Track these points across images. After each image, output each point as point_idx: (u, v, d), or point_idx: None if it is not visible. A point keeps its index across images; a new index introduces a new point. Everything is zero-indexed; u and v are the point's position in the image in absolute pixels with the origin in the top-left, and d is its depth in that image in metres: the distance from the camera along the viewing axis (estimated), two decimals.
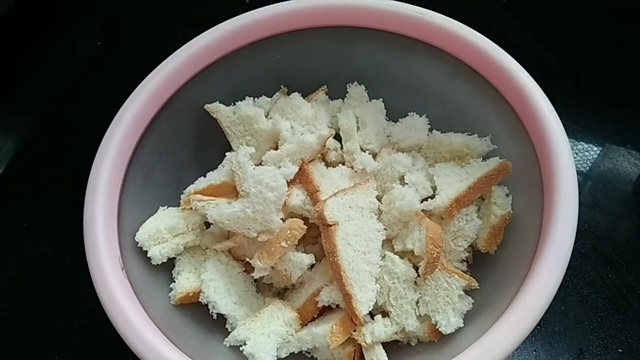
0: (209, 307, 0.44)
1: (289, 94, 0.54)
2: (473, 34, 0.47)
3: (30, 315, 0.56)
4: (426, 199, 0.46)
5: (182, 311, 0.44)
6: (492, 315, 0.38)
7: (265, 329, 0.41)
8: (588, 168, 0.61)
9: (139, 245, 0.44)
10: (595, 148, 0.63)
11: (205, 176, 0.48)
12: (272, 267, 0.44)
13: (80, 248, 0.41)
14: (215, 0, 0.77)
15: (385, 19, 0.50)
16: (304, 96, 0.53)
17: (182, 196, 0.47)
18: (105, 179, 0.43)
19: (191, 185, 0.47)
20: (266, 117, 0.51)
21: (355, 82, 0.53)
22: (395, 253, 0.45)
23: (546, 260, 0.37)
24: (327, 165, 0.50)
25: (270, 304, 0.44)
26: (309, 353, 0.44)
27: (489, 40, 0.47)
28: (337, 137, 0.52)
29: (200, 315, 0.44)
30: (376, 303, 0.42)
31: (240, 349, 0.41)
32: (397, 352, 0.42)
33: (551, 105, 0.43)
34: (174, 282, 0.45)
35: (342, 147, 0.51)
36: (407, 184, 0.47)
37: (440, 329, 0.41)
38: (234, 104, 0.51)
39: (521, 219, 0.44)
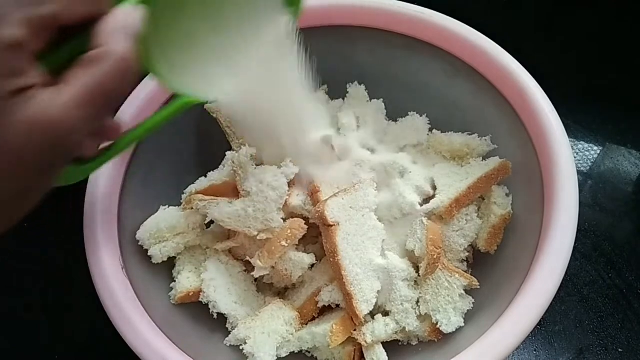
0: (210, 306, 0.44)
1: None
2: (473, 34, 0.47)
3: (29, 315, 0.56)
4: (426, 199, 0.46)
5: (183, 310, 0.44)
6: (493, 314, 0.38)
7: (266, 328, 0.41)
8: (588, 168, 0.61)
9: (139, 243, 0.44)
10: (595, 148, 0.63)
11: (205, 176, 0.48)
12: (273, 267, 0.44)
13: (81, 248, 0.41)
14: None
15: (385, 18, 0.50)
16: None
17: (182, 196, 0.47)
18: (105, 178, 0.43)
19: (192, 185, 0.47)
20: None
21: (356, 82, 0.53)
22: (395, 253, 0.45)
23: (546, 260, 0.37)
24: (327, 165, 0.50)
25: (271, 304, 0.44)
26: (309, 352, 0.44)
27: (489, 40, 0.47)
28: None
29: (200, 315, 0.44)
30: (376, 303, 0.42)
31: (241, 347, 0.41)
32: (397, 352, 0.42)
33: (552, 105, 0.43)
34: (175, 281, 0.45)
35: (342, 147, 0.51)
36: (407, 184, 0.47)
37: (441, 328, 0.41)
38: None
39: (521, 219, 0.44)
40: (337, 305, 0.43)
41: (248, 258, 0.44)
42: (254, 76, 0.36)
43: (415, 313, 0.43)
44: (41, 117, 0.23)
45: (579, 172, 0.61)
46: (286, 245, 0.42)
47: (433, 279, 0.43)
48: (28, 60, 0.23)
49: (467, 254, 0.46)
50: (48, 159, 0.24)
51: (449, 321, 0.41)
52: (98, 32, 0.25)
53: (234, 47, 0.34)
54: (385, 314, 0.43)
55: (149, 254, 0.44)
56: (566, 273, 0.37)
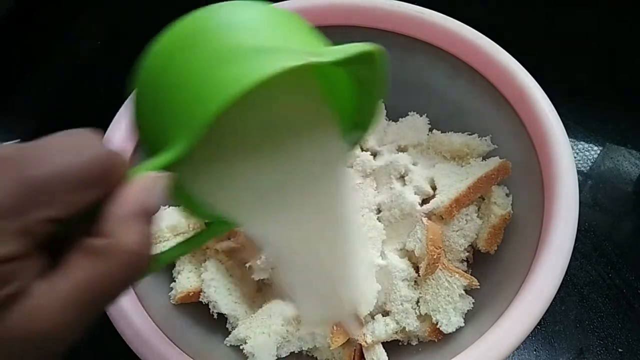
0: (210, 306, 0.44)
1: None
2: (473, 34, 0.47)
3: None
4: (426, 199, 0.46)
5: (183, 310, 0.44)
6: (493, 314, 0.38)
7: (266, 328, 0.41)
8: (588, 168, 0.61)
9: None
10: (595, 148, 0.63)
11: None
12: (273, 268, 0.43)
13: None
14: (216, 1, 0.77)
15: (385, 18, 0.50)
16: None
17: None
18: None
19: None
20: None
21: None
22: (395, 253, 0.45)
23: (546, 260, 0.37)
24: None
25: (271, 303, 0.44)
26: (309, 352, 0.44)
27: (489, 40, 0.47)
28: None
29: (200, 315, 0.44)
30: (377, 303, 0.42)
31: (241, 347, 0.41)
32: (397, 352, 0.42)
33: (551, 105, 0.43)
34: (175, 281, 0.45)
35: None
36: (407, 184, 0.47)
37: (441, 328, 0.41)
38: None
39: (521, 219, 0.44)
40: None
41: (248, 259, 0.44)
42: (296, 218, 0.31)
43: (415, 313, 0.43)
44: (27, 327, 0.19)
45: (579, 172, 0.61)
46: None
47: (433, 279, 0.43)
48: (22, 265, 0.19)
49: (467, 254, 0.46)
50: None
51: (449, 321, 0.41)
52: (106, 216, 0.21)
53: (280, 192, 0.30)
54: (385, 314, 0.43)
55: None
56: (566, 273, 0.37)
